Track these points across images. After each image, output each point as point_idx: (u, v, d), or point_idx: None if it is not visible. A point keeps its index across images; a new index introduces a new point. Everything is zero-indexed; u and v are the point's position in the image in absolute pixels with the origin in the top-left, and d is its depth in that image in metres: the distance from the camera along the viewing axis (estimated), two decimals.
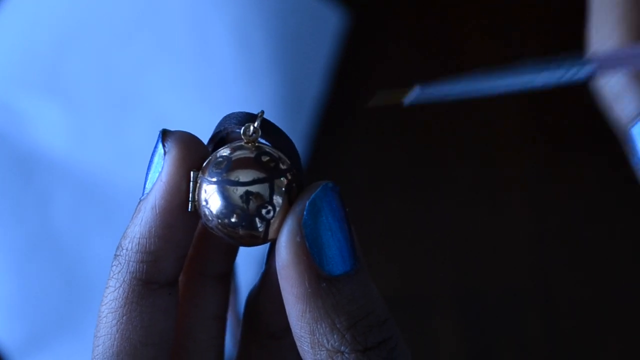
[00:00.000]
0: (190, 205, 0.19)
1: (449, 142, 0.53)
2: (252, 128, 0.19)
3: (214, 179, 0.19)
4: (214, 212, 0.19)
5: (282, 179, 0.19)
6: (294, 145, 0.20)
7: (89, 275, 0.48)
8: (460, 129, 0.53)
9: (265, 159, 0.19)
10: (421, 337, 0.48)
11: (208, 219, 0.19)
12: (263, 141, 0.20)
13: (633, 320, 0.49)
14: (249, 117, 0.20)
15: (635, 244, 0.50)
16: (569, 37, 0.55)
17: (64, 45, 0.48)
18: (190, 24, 0.49)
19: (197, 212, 0.19)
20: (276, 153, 0.19)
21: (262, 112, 0.20)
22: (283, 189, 0.19)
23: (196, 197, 0.19)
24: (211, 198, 0.19)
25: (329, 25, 0.53)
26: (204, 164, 0.19)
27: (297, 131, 0.51)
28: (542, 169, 0.52)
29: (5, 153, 0.48)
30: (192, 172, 0.19)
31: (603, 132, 0.53)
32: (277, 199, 0.18)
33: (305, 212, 0.18)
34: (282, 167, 0.19)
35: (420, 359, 0.47)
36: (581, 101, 0.49)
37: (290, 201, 0.19)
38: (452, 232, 0.51)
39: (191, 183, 0.19)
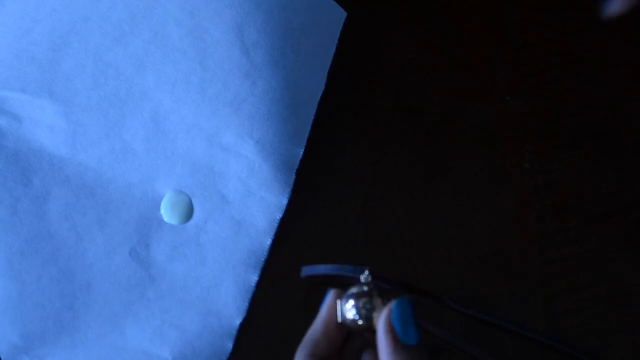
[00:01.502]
0: (339, 317, 0.37)
1: (450, 143, 0.52)
2: (366, 276, 0.38)
3: (350, 301, 0.37)
4: (350, 316, 0.37)
5: (380, 298, 0.37)
6: (388, 282, 0.39)
7: (88, 276, 0.48)
8: (462, 129, 0.53)
9: (371, 289, 0.37)
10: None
11: (347, 319, 0.37)
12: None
13: (634, 322, 0.49)
14: (356, 270, 0.39)
15: (636, 244, 0.50)
16: (567, 25, 0.55)
17: (64, 45, 0.48)
18: (190, 23, 0.48)
19: (343, 319, 0.37)
20: (377, 286, 0.37)
21: (371, 269, 0.38)
22: (381, 302, 0.37)
23: (343, 312, 0.37)
24: (348, 310, 0.37)
25: (329, 24, 0.53)
26: (344, 296, 0.37)
27: (297, 131, 0.50)
28: (543, 170, 0.52)
29: (5, 153, 0.48)
30: (337, 301, 0.38)
31: (601, 131, 0.53)
32: (377, 308, 0.37)
33: (393, 311, 0.36)
34: (381, 293, 0.37)
35: None
36: (581, 102, 0.49)
37: (382, 307, 0.36)
38: (452, 234, 0.51)
39: (340, 306, 0.37)
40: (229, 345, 0.49)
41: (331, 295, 0.39)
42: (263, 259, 0.50)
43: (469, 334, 0.48)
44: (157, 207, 0.49)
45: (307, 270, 0.47)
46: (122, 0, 0.48)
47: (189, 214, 0.49)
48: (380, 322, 0.36)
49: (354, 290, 0.38)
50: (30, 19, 0.48)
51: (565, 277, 0.50)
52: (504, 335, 0.48)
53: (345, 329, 0.38)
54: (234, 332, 0.49)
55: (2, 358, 0.46)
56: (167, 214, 0.49)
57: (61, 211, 0.48)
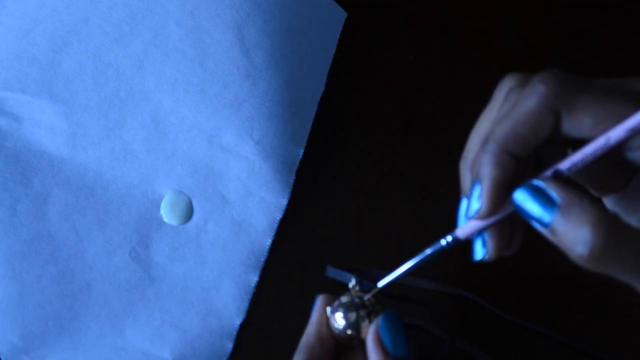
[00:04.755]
0: (332, 326, 0.39)
1: (450, 143, 0.52)
2: (354, 285, 0.40)
3: (339, 311, 0.39)
4: (339, 326, 0.38)
5: (368, 309, 0.38)
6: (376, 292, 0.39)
7: (88, 277, 0.48)
8: (462, 129, 0.53)
9: (359, 300, 0.39)
10: (417, 342, 0.48)
11: (336, 329, 0.39)
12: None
13: (634, 322, 0.49)
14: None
15: None
16: (568, 26, 0.55)
17: (64, 45, 0.48)
18: (190, 24, 0.48)
19: (332, 329, 0.39)
20: (364, 297, 0.39)
21: (357, 279, 0.40)
22: (369, 314, 0.38)
23: (332, 322, 0.39)
24: (337, 320, 0.38)
25: (329, 24, 0.53)
26: (333, 305, 0.39)
27: (297, 131, 0.50)
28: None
29: (5, 153, 0.48)
30: (327, 308, 0.39)
31: None
32: (365, 318, 0.38)
33: (380, 325, 0.38)
34: (369, 304, 0.39)
35: None
36: None
37: (371, 319, 0.38)
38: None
39: (330, 315, 0.39)
40: (229, 346, 0.49)
41: (320, 300, 0.40)
42: (263, 259, 0.50)
43: (468, 334, 0.48)
44: (157, 207, 0.49)
45: (331, 272, 0.47)
46: (122, 1, 0.48)
47: (188, 214, 0.49)
48: (369, 335, 0.38)
49: (342, 299, 0.39)
50: (31, 20, 0.48)
51: (566, 277, 0.50)
52: (503, 335, 0.48)
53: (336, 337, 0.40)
54: (234, 333, 0.49)
55: (2, 358, 0.47)
56: (167, 214, 0.49)
57: (61, 211, 0.48)
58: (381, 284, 0.38)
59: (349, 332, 0.38)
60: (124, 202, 0.49)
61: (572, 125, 0.30)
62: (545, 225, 0.31)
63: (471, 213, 0.32)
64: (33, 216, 0.47)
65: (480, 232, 0.33)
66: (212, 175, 0.49)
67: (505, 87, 0.34)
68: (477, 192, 0.32)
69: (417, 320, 0.48)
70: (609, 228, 0.29)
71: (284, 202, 0.50)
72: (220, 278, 0.49)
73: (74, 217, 0.48)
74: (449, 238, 0.34)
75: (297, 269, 0.50)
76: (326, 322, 0.39)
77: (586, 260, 0.30)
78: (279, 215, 0.50)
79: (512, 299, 0.49)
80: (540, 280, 0.50)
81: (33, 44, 0.48)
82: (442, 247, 0.35)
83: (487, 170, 0.32)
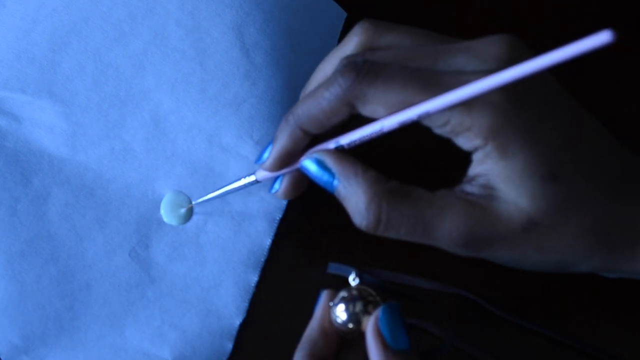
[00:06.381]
0: (334, 320, 0.39)
1: (449, 143, 0.52)
2: (354, 279, 0.40)
3: (340, 305, 0.39)
4: (339, 319, 0.38)
5: (368, 302, 0.38)
6: (376, 285, 0.40)
7: (87, 277, 0.48)
8: None
9: (359, 293, 0.39)
10: (416, 341, 0.48)
11: (337, 323, 0.39)
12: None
13: (634, 322, 0.49)
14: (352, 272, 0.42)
15: None
16: (568, 26, 0.55)
17: (64, 45, 0.48)
18: (190, 23, 0.48)
19: (334, 323, 0.39)
20: (365, 290, 0.39)
21: (357, 272, 0.41)
22: (369, 306, 0.38)
23: (333, 316, 0.39)
24: (338, 314, 0.38)
25: (329, 24, 0.53)
26: (335, 299, 0.39)
27: None
28: None
29: (5, 153, 0.48)
30: (330, 303, 0.39)
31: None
32: (365, 312, 0.38)
33: (379, 317, 0.37)
34: (368, 297, 0.38)
35: None
36: (580, 104, 0.49)
37: (371, 312, 0.38)
38: None
39: (331, 310, 0.39)
40: (229, 346, 0.49)
41: (323, 295, 0.40)
42: (263, 259, 0.50)
43: (468, 334, 0.48)
44: (157, 207, 0.49)
45: (332, 268, 0.48)
46: (122, 1, 0.48)
47: (188, 214, 0.49)
48: (368, 328, 0.37)
49: (343, 293, 0.39)
50: (31, 19, 0.48)
51: (566, 277, 0.50)
52: (503, 335, 0.48)
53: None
54: (234, 333, 0.49)
55: (2, 358, 0.47)
56: (167, 214, 0.49)
57: (61, 211, 0.48)
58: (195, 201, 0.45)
59: (350, 325, 0.38)
60: (124, 202, 0.49)
61: (368, 112, 0.36)
62: (332, 191, 0.36)
63: (259, 162, 0.40)
64: (33, 216, 0.47)
65: (276, 178, 0.42)
66: (212, 175, 0.49)
67: (351, 43, 0.39)
68: (269, 149, 0.39)
69: (416, 319, 0.48)
70: (381, 204, 0.35)
71: (283, 202, 0.50)
72: (220, 278, 0.49)
73: (74, 217, 0.48)
74: (250, 179, 0.43)
75: (297, 269, 0.50)
76: (329, 317, 0.39)
77: (365, 230, 0.35)
78: (278, 216, 0.50)
79: (512, 299, 0.49)
80: (540, 280, 0.50)
81: (33, 44, 0.48)
82: (245, 185, 0.44)
83: (280, 138, 0.38)
